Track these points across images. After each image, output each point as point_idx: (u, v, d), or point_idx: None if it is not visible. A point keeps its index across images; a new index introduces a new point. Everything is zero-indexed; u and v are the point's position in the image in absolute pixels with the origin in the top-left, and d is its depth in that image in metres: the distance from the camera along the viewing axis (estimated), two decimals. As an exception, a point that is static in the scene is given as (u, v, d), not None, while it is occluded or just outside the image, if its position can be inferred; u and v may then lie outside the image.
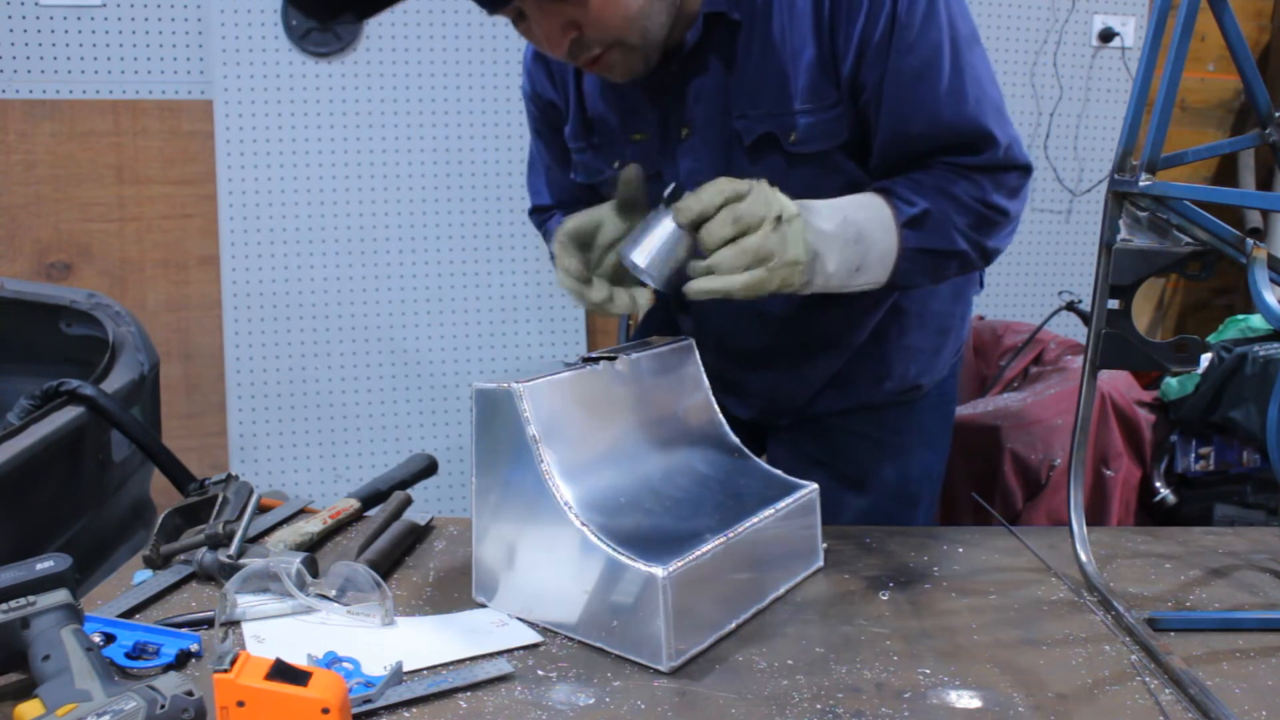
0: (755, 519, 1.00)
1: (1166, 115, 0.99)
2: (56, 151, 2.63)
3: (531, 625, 0.97)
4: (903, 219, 1.13)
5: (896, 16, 1.11)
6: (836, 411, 1.39)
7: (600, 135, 1.29)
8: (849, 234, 1.09)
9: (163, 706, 0.74)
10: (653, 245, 1.04)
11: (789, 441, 1.44)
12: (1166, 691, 0.85)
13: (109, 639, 0.90)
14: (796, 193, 1.14)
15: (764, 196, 1.03)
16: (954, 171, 1.15)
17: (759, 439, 1.49)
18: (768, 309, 1.30)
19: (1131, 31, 3.06)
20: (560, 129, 1.34)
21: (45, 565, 0.86)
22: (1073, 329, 2.74)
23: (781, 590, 1.05)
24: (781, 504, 1.04)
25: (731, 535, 0.96)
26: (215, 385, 2.76)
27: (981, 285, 1.47)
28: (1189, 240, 1.01)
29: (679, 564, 0.89)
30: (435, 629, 0.97)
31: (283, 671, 0.74)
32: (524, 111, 1.43)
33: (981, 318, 2.71)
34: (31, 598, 0.84)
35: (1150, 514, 2.25)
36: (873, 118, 1.17)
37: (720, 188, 1.02)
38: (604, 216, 1.14)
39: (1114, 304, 1.06)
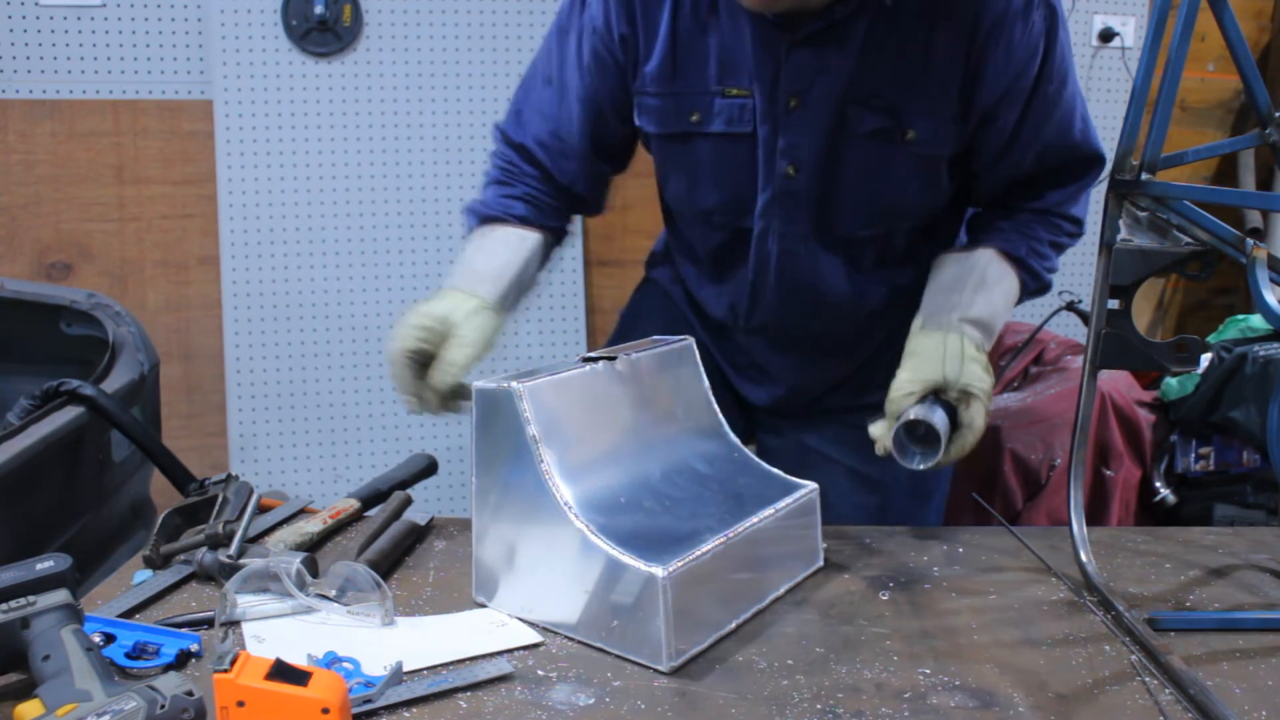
0: (755, 519, 1.00)
1: (1166, 115, 0.99)
2: (56, 151, 2.62)
3: (531, 625, 0.97)
4: (1029, 290, 1.29)
5: (1051, 56, 1.15)
6: (850, 408, 1.39)
7: (685, 82, 1.22)
8: (996, 335, 1.27)
9: (163, 706, 0.74)
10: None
11: (800, 442, 1.44)
12: (1166, 691, 0.85)
13: (109, 639, 0.90)
14: (890, 191, 1.21)
15: (980, 429, 1.16)
16: (1061, 216, 1.27)
17: (752, 427, 1.49)
18: (827, 295, 1.30)
19: (1131, 31, 3.06)
20: (623, 67, 1.26)
21: (45, 565, 0.86)
22: (1073, 329, 2.74)
23: (781, 590, 1.05)
24: (781, 504, 1.04)
25: (731, 535, 0.96)
26: (215, 385, 2.76)
27: None
28: (1189, 240, 1.01)
29: (679, 564, 0.89)
30: (435, 629, 0.97)
31: (283, 671, 0.74)
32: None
33: (982, 317, 2.70)
34: (31, 598, 0.84)
35: (1150, 514, 2.25)
36: (998, 142, 1.20)
37: (977, 438, 1.16)
38: (451, 356, 1.15)
39: (1114, 304, 1.06)
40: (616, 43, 1.25)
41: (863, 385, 1.38)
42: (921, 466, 1.12)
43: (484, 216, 1.31)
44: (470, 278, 1.24)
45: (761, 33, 1.15)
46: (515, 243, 1.29)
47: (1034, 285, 1.29)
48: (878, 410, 1.20)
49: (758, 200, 1.25)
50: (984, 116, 1.18)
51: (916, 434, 1.12)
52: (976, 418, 1.15)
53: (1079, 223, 1.30)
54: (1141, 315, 3.36)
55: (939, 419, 1.11)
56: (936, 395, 1.15)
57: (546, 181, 1.33)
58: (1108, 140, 1.23)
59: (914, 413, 1.11)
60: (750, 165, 1.23)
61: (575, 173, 1.33)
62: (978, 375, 1.16)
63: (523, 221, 1.30)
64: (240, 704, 0.73)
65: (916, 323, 1.23)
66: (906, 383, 1.15)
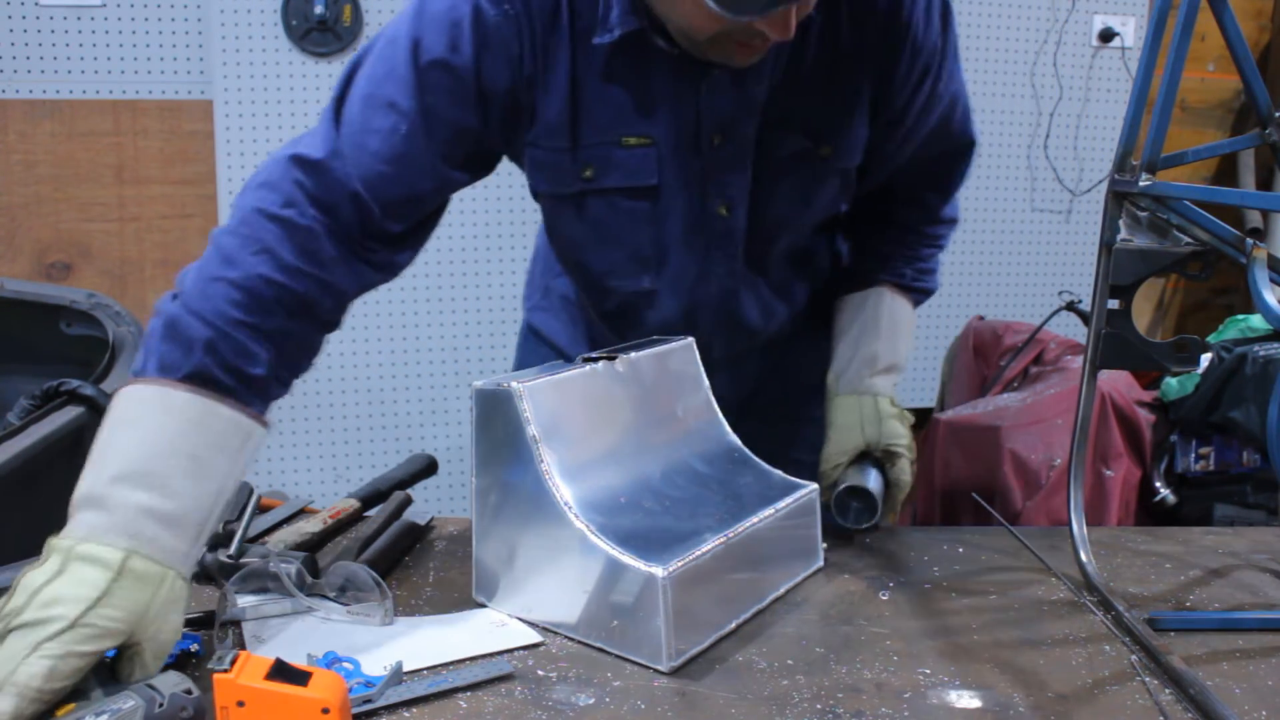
0: (755, 519, 1.00)
1: (1166, 115, 0.99)
2: (56, 151, 2.62)
3: (531, 625, 0.97)
4: (919, 304, 1.34)
5: (946, 52, 1.15)
6: (777, 400, 1.39)
7: (582, 133, 1.10)
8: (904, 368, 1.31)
9: (161, 705, 0.74)
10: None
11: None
12: (1166, 691, 0.85)
13: (109, 639, 0.90)
14: (812, 207, 1.21)
15: (907, 484, 1.23)
16: (939, 222, 1.32)
17: None
18: (751, 317, 1.28)
19: (1131, 31, 3.06)
20: (521, 110, 1.08)
21: None
22: (1073, 329, 2.74)
23: (781, 590, 1.05)
24: (781, 504, 1.04)
25: (731, 535, 0.96)
26: (215, 385, 2.76)
27: None
28: (1189, 240, 1.01)
29: (679, 564, 0.89)
30: (435, 629, 0.97)
31: (283, 671, 0.74)
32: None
33: (981, 318, 2.71)
34: None
35: (1150, 514, 2.24)
36: (895, 137, 1.19)
37: (907, 492, 1.23)
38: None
39: (1114, 304, 1.06)
40: (524, 81, 1.06)
41: (785, 374, 1.38)
42: (863, 525, 1.19)
43: (196, 372, 0.89)
44: (166, 526, 0.82)
45: (674, 72, 1.06)
46: (236, 444, 0.90)
47: (924, 299, 1.35)
48: (803, 391, 1.29)
49: (682, 250, 1.18)
50: (890, 119, 1.17)
51: (855, 495, 1.20)
52: (902, 474, 1.21)
53: (954, 222, 1.34)
54: (1141, 315, 3.36)
55: (873, 481, 1.20)
56: (866, 456, 1.23)
57: (331, 269, 0.99)
58: (1108, 140, 1.23)
59: (849, 478, 1.20)
60: (650, 221, 1.15)
61: (417, 224, 1.09)
62: (896, 432, 1.22)
63: (257, 391, 0.92)
64: (240, 704, 0.73)
65: (831, 378, 1.29)
66: (834, 455, 1.23)
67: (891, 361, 1.28)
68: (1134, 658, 0.92)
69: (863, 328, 1.28)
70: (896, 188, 1.28)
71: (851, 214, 1.34)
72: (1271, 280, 0.88)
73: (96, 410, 1.47)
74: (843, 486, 1.19)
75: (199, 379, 0.89)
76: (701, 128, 1.10)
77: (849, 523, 1.19)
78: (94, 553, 0.79)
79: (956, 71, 1.20)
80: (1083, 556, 1.09)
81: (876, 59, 1.12)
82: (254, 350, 0.92)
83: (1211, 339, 2.25)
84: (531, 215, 2.86)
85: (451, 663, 0.90)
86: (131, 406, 0.89)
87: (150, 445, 0.86)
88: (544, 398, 0.98)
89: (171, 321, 0.92)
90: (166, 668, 0.87)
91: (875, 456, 1.23)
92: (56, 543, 0.81)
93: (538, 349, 1.46)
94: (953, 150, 1.27)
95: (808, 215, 1.23)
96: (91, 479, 0.84)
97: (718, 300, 1.24)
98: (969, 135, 1.26)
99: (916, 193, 1.30)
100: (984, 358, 2.57)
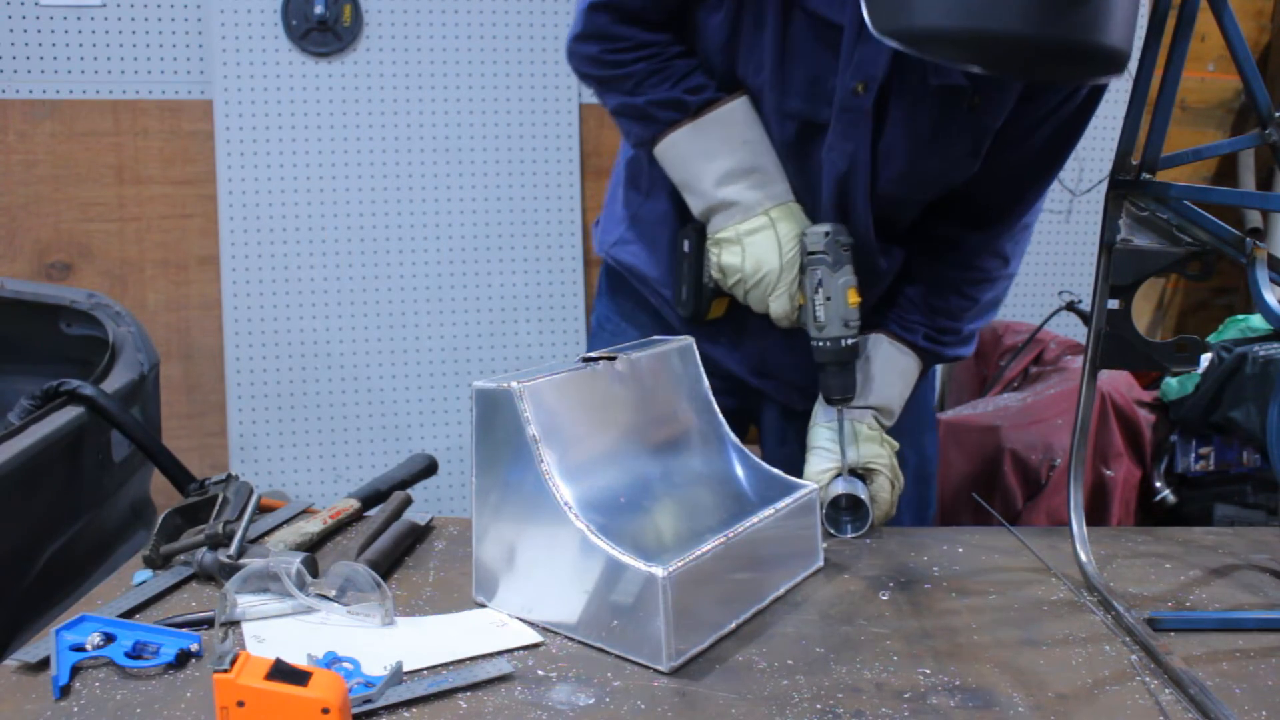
0: (755, 519, 1.00)
1: (1166, 115, 0.99)
2: (56, 151, 2.62)
3: (531, 625, 0.97)
4: (932, 365, 1.36)
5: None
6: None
7: None
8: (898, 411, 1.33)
9: None
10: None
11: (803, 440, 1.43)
12: (1166, 691, 0.85)
13: (109, 639, 0.90)
14: (936, 152, 1.19)
15: (886, 501, 1.25)
16: (993, 259, 1.31)
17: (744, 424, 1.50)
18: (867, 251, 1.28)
19: (1131, 31, 3.06)
20: None
21: None
22: (1073, 329, 2.74)
23: (781, 590, 1.05)
24: (781, 504, 1.04)
25: (731, 535, 0.96)
26: (215, 385, 2.76)
27: None
28: (1189, 240, 1.01)
29: (679, 564, 0.89)
30: (435, 629, 0.97)
31: (283, 671, 0.74)
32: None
33: (982, 317, 2.70)
34: None
35: (1150, 514, 2.24)
36: (1021, 120, 1.20)
37: (886, 509, 1.25)
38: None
39: (1114, 304, 1.06)
40: None
41: None
42: (853, 535, 1.22)
43: (703, 103, 1.21)
44: (771, 182, 1.22)
45: None
46: (754, 117, 1.23)
47: (936, 363, 1.37)
48: None
49: (833, 100, 1.19)
50: (1027, 93, 1.17)
51: (841, 506, 1.23)
52: (880, 491, 1.24)
53: (1004, 261, 1.32)
54: (1141, 315, 3.36)
55: (861, 489, 1.23)
56: (851, 473, 1.25)
57: (677, 42, 1.24)
58: (1108, 140, 1.23)
59: (838, 486, 1.22)
60: (834, 53, 1.16)
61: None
62: (875, 452, 1.25)
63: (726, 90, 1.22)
64: (240, 704, 0.73)
65: (815, 410, 1.31)
66: (817, 473, 1.25)
67: (879, 402, 1.28)
68: (1134, 658, 0.92)
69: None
70: (969, 193, 1.27)
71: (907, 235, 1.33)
72: (1271, 280, 0.88)
73: (96, 410, 1.47)
74: (832, 495, 1.21)
75: (705, 107, 1.22)
76: None
77: (841, 533, 1.22)
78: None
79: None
80: (1083, 556, 1.09)
81: None
82: (702, 79, 1.24)
83: (1211, 339, 2.25)
84: (532, 217, 2.87)
85: (451, 663, 0.90)
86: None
87: (728, 155, 1.23)
88: (544, 398, 0.98)
89: (647, 104, 1.23)
90: (168, 667, 0.87)
91: (858, 473, 1.25)
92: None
93: (624, 288, 1.44)
94: (1051, 165, 1.29)
95: (930, 157, 1.20)
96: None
97: (825, 172, 1.22)
98: (1063, 162, 1.29)
99: (990, 204, 1.29)
100: (984, 358, 2.57)
